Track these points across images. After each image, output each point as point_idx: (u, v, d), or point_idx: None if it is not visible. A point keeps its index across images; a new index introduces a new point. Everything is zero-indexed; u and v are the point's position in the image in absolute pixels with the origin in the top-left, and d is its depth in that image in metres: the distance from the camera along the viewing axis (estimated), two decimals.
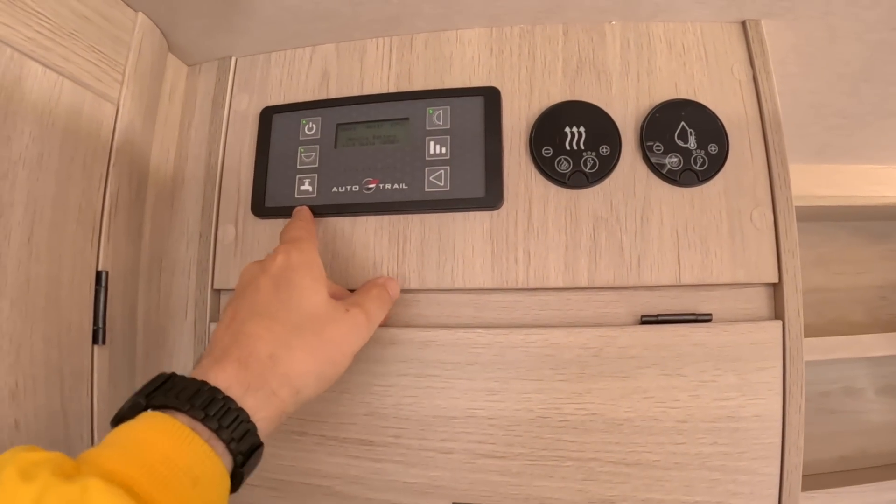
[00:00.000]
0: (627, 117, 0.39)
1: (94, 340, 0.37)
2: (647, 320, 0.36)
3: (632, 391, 0.35)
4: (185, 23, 0.42)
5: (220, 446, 0.24)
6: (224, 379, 0.25)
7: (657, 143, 0.38)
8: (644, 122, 0.38)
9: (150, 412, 0.24)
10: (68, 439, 0.35)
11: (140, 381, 0.42)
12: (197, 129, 0.45)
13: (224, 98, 0.44)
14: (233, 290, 0.41)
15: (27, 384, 0.32)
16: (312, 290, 0.31)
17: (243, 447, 0.24)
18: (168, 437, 0.22)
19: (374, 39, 0.43)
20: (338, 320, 0.31)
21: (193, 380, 0.25)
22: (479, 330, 0.36)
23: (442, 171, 0.38)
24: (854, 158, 0.68)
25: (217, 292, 0.42)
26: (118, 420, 0.24)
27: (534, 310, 0.38)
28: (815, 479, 0.67)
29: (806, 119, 0.58)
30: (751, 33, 0.40)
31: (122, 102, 0.39)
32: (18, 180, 0.32)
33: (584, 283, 0.36)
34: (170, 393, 0.24)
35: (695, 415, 0.35)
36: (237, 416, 0.24)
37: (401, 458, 0.36)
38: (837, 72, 0.49)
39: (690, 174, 0.37)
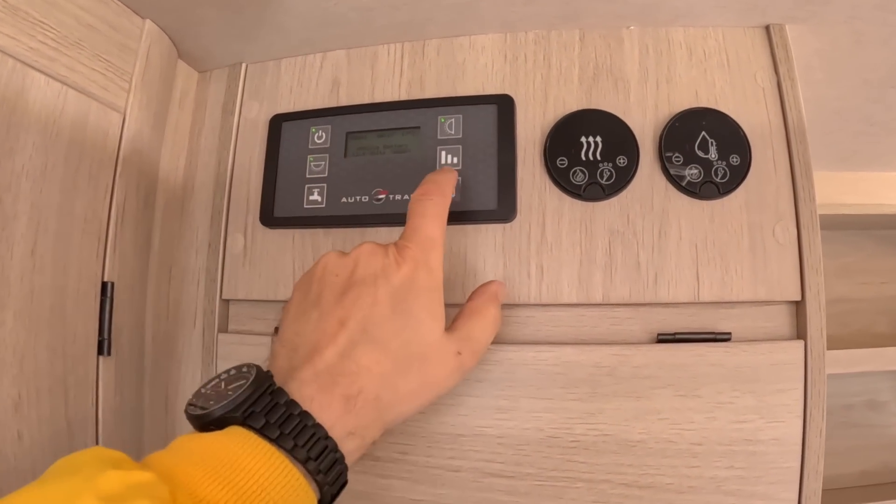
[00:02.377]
0: (646, 127, 0.37)
1: (100, 351, 0.37)
2: (663, 339, 0.35)
3: (645, 412, 0.34)
4: (194, 30, 0.42)
5: (315, 486, 0.23)
6: (328, 417, 0.23)
7: (676, 154, 0.36)
8: (663, 131, 0.37)
9: (244, 432, 0.22)
10: (73, 450, 0.35)
11: (149, 391, 0.42)
12: (207, 137, 0.45)
13: (234, 105, 0.44)
14: (242, 300, 0.41)
15: (31, 395, 0.32)
16: (429, 327, 0.28)
17: (335, 490, 0.24)
18: (267, 468, 0.21)
19: (385, 46, 0.42)
20: (446, 363, 0.28)
21: (295, 404, 0.23)
22: (490, 346, 0.36)
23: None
24: (881, 166, 0.66)
25: (226, 302, 0.42)
26: (203, 422, 0.23)
27: (546, 326, 0.37)
28: (835, 495, 0.65)
29: (831, 125, 0.56)
30: (775, 39, 0.38)
31: (129, 111, 0.39)
32: (22, 192, 0.32)
33: (598, 300, 0.35)
34: (272, 420, 0.22)
35: (710, 437, 0.34)
36: (335, 461, 0.23)
37: (407, 474, 0.36)
38: (864, 77, 0.47)
39: (711, 187, 0.36)
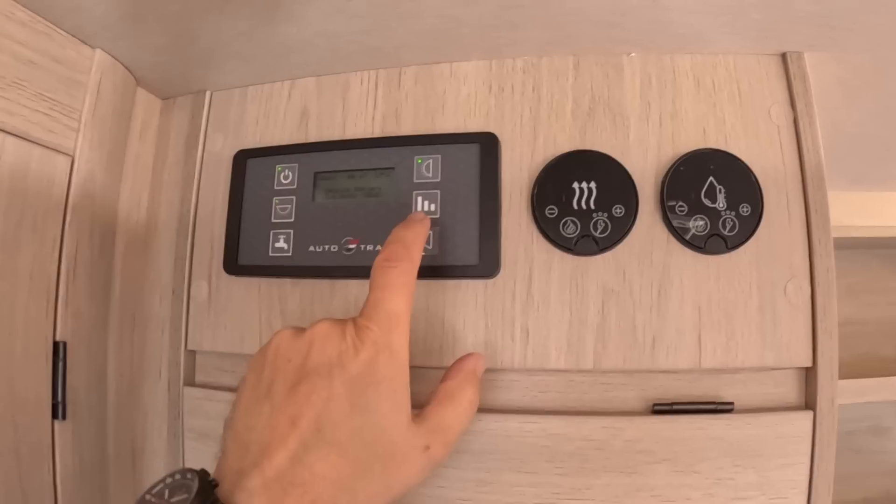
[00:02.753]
0: (647, 170, 0.34)
1: (55, 415, 0.34)
2: (659, 409, 0.32)
3: (638, 488, 0.31)
4: (150, 58, 0.38)
5: None
6: None
7: (680, 204, 0.33)
8: (666, 176, 0.33)
9: None
10: None
11: (113, 445, 0.39)
12: (170, 172, 0.41)
13: (197, 138, 0.40)
14: (208, 351, 0.39)
15: None
16: (393, 422, 0.25)
17: None
18: None
19: (358, 73, 0.38)
20: (413, 461, 0.25)
21: None
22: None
23: (430, 233, 0.34)
24: (891, 186, 0.61)
25: (192, 353, 0.39)
26: None
27: (532, 391, 0.34)
28: None
29: (844, 150, 0.51)
30: (792, 68, 0.34)
31: (78, 153, 0.35)
32: None
33: (589, 366, 0.32)
34: None
35: None
36: None
37: None
38: (885, 105, 0.43)
39: (718, 240, 0.32)
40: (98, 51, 0.37)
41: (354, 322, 0.26)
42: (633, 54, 0.35)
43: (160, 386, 0.39)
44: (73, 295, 0.35)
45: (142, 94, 0.41)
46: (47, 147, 0.34)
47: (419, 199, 0.34)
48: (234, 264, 0.37)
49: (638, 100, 0.34)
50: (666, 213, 0.33)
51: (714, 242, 0.32)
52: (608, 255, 0.33)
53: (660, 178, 0.33)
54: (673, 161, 0.33)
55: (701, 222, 0.32)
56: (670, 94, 0.34)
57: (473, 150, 0.34)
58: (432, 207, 0.34)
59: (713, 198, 0.33)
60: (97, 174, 0.37)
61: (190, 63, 0.38)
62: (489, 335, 0.33)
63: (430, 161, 0.35)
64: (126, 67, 0.39)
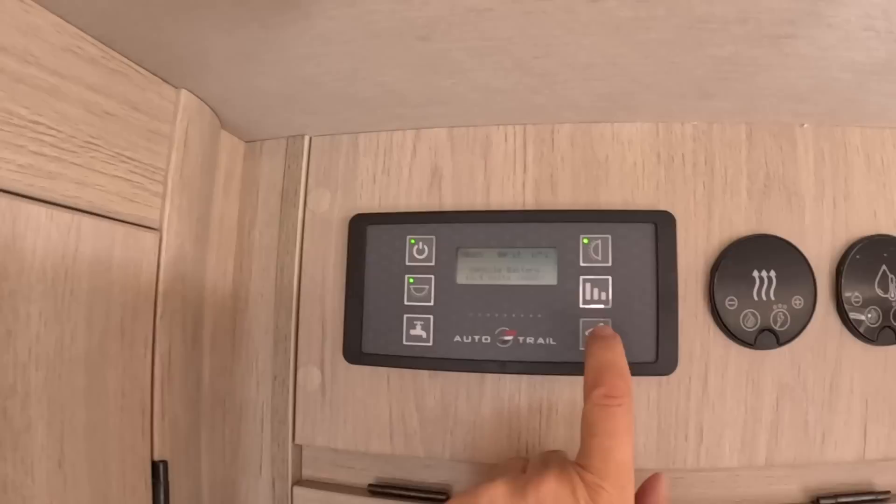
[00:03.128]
0: (822, 257, 0.32)
1: None
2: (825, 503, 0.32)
3: None
4: (245, 101, 0.30)
5: None
6: None
7: (856, 294, 0.31)
8: (842, 265, 0.31)
9: None
10: None
11: None
12: (262, 233, 0.34)
13: (297, 193, 0.33)
14: (321, 447, 0.32)
15: None
16: None
17: None
18: None
19: (501, 127, 0.33)
20: None
21: None
22: None
23: (601, 324, 0.30)
24: None
25: (299, 448, 0.34)
26: None
27: (697, 487, 0.32)
28: None
29: None
30: None
31: (166, 224, 0.28)
32: (33, 390, 0.22)
33: (761, 463, 0.31)
34: None
35: None
36: None
37: None
38: None
39: (889, 333, 0.31)
40: (183, 91, 0.29)
41: (583, 479, 0.23)
42: (805, 125, 0.33)
43: (261, 484, 0.34)
44: (169, 404, 0.29)
45: (224, 138, 0.33)
46: (130, 223, 0.26)
47: (587, 285, 0.31)
48: (357, 352, 0.32)
49: (812, 178, 0.32)
50: (841, 304, 0.31)
51: (885, 334, 0.31)
52: (784, 348, 0.31)
53: (834, 266, 0.32)
54: (846, 247, 0.32)
55: (873, 314, 0.32)
56: (843, 172, 0.32)
57: (648, 230, 0.31)
58: (602, 296, 0.31)
59: (885, 287, 0.32)
60: (187, 248, 0.29)
61: (295, 108, 0.31)
62: (661, 436, 0.31)
63: (599, 241, 0.31)
64: (212, 109, 0.31)
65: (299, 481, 0.34)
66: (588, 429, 0.24)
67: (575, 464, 0.24)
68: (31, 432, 0.22)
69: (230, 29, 0.24)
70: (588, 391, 0.24)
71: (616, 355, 0.26)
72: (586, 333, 0.30)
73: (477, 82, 0.28)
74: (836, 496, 0.32)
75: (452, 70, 0.27)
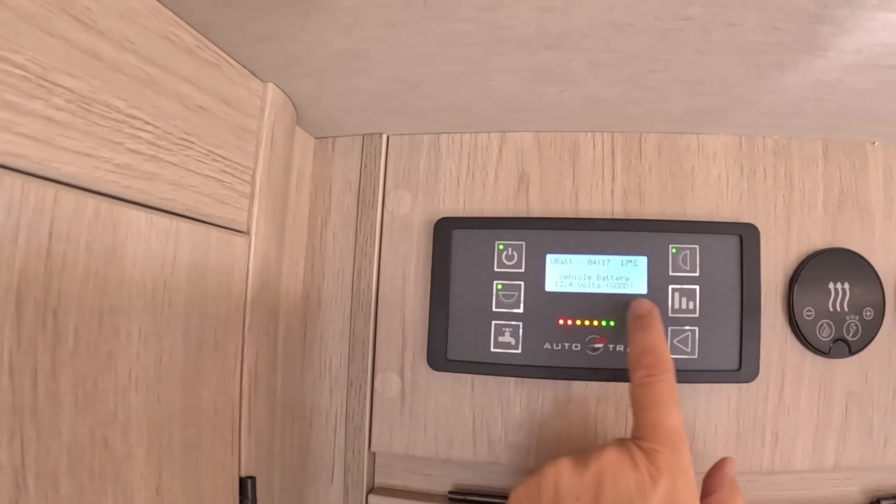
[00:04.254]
0: (889, 271, 0.33)
1: None
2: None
3: None
4: (330, 98, 0.29)
5: None
6: None
7: None
8: None
9: None
10: None
11: None
12: (336, 235, 0.33)
13: (375, 194, 0.32)
14: (396, 454, 0.32)
15: None
16: None
17: None
18: None
19: (589, 134, 0.32)
20: None
21: None
22: None
23: (689, 333, 0.31)
24: None
25: (373, 455, 0.33)
26: None
27: (767, 489, 0.33)
28: None
29: None
30: None
31: (255, 228, 0.26)
32: (133, 414, 0.21)
33: (829, 466, 0.32)
34: None
35: None
36: None
37: None
38: None
39: None
40: (270, 85, 0.27)
41: (640, 447, 0.24)
42: (876, 143, 0.34)
43: (333, 492, 0.33)
44: (255, 417, 0.27)
45: (297, 133, 0.32)
46: (223, 227, 0.25)
47: (676, 294, 0.31)
48: (441, 358, 0.31)
49: (882, 194, 0.34)
50: None
51: None
52: (854, 358, 0.33)
53: None
54: None
55: None
56: None
57: (733, 242, 0.31)
58: (690, 305, 0.31)
59: None
60: (272, 253, 0.28)
61: (381, 107, 0.29)
62: (740, 440, 0.32)
63: (687, 252, 0.31)
64: (293, 104, 0.29)
65: (373, 489, 0.33)
66: (637, 404, 0.26)
67: (631, 438, 0.26)
68: (131, 460, 0.21)
69: (350, 26, 0.23)
70: (631, 374, 0.27)
71: (653, 337, 0.28)
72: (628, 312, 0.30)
73: (584, 92, 0.28)
74: (894, 496, 0.34)
75: (565, 79, 0.26)
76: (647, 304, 0.30)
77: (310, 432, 0.33)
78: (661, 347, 0.27)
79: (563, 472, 0.24)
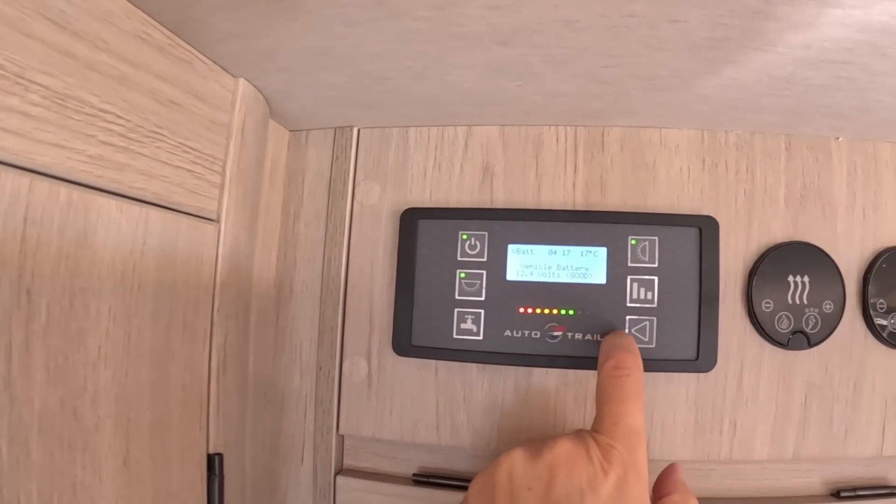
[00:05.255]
0: (851, 265, 0.34)
1: None
2: (845, 496, 0.34)
3: None
4: (301, 92, 0.30)
5: None
6: None
7: (881, 301, 0.33)
8: (869, 273, 0.33)
9: None
10: None
11: None
12: (307, 224, 0.34)
13: (345, 185, 0.33)
14: (364, 437, 0.33)
15: None
16: None
17: None
18: None
19: (552, 128, 0.33)
20: None
21: None
22: None
23: (646, 323, 0.32)
24: None
25: (342, 438, 0.34)
26: None
27: (728, 479, 0.34)
28: None
29: None
30: None
31: (224, 216, 0.28)
32: (102, 387, 0.22)
33: (789, 456, 0.33)
34: None
35: None
36: None
37: None
38: None
39: None
40: (241, 80, 0.28)
41: (596, 440, 0.25)
42: (840, 139, 0.34)
43: (303, 473, 0.34)
44: (224, 396, 0.29)
45: (271, 126, 0.33)
46: (192, 215, 0.26)
47: (634, 284, 0.32)
48: (406, 344, 0.32)
49: (845, 189, 0.34)
50: (867, 310, 0.33)
51: None
52: (813, 350, 0.33)
53: (861, 274, 0.34)
54: (873, 255, 0.34)
55: None
56: (873, 185, 0.34)
57: (692, 234, 0.32)
58: (649, 295, 0.32)
59: None
60: (241, 239, 0.29)
61: (352, 100, 0.31)
62: (698, 430, 0.32)
63: (647, 243, 0.32)
64: (265, 98, 0.30)
65: (341, 470, 0.34)
66: (601, 397, 0.26)
67: (590, 430, 0.26)
68: (100, 431, 0.22)
69: (313, 24, 0.24)
70: (600, 366, 0.27)
71: (626, 340, 0.28)
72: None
73: (543, 86, 0.29)
74: (854, 489, 0.34)
75: (522, 74, 0.27)
76: (622, 332, 0.30)
77: (281, 415, 0.34)
78: (633, 347, 0.28)
79: (516, 463, 0.24)
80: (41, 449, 0.20)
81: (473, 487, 0.25)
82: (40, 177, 0.20)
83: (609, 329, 0.31)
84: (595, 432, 0.25)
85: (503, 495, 0.24)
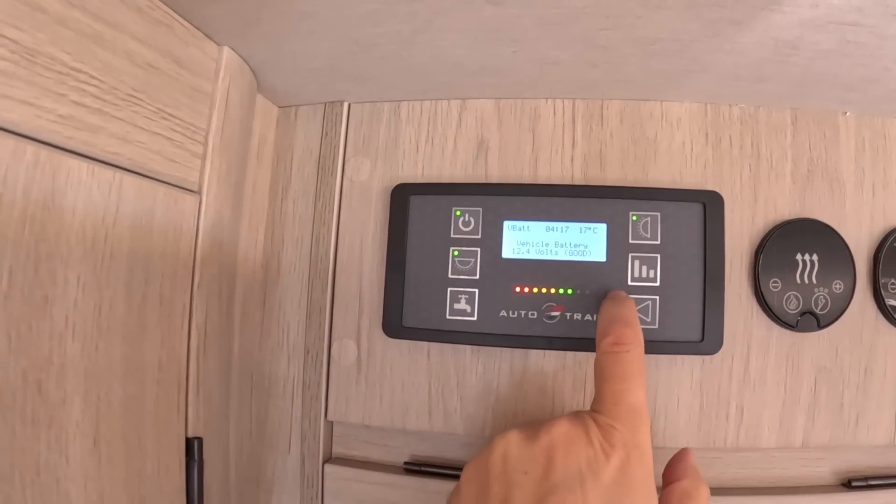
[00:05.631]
0: (860, 243, 0.32)
1: None
2: (857, 485, 0.32)
3: None
4: (288, 62, 0.29)
5: None
6: None
7: (892, 281, 0.32)
8: (880, 252, 0.32)
9: None
10: None
11: None
12: (295, 202, 0.33)
13: (335, 161, 0.32)
14: (354, 424, 0.32)
15: None
16: None
17: None
18: None
19: (549, 101, 0.32)
20: None
21: None
22: None
23: (649, 302, 0.30)
24: None
25: (330, 424, 0.33)
26: None
27: (734, 467, 0.32)
28: None
29: None
30: None
31: (206, 188, 0.27)
32: (69, 361, 0.21)
33: (798, 444, 0.31)
34: None
35: None
36: None
37: None
38: None
39: None
40: (225, 49, 0.27)
41: (596, 421, 0.23)
42: (848, 113, 0.33)
43: (290, 461, 0.33)
44: (204, 378, 0.27)
45: (259, 102, 0.32)
46: (171, 184, 0.25)
47: (636, 262, 0.30)
48: (397, 325, 0.31)
49: (853, 165, 0.33)
50: (877, 290, 0.32)
51: None
52: (823, 332, 0.32)
53: (871, 253, 0.32)
54: (883, 234, 0.32)
55: None
56: (882, 161, 0.33)
57: (696, 210, 0.31)
58: (651, 274, 0.30)
59: None
60: (225, 214, 0.28)
61: (341, 72, 0.29)
62: (703, 415, 0.31)
63: (648, 219, 0.31)
64: (252, 69, 0.29)
65: (330, 459, 0.33)
66: (600, 375, 0.25)
67: (589, 410, 0.24)
68: (67, 407, 0.21)
69: None
70: (598, 342, 0.25)
71: (626, 309, 0.27)
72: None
73: (537, 53, 0.27)
74: (866, 479, 0.32)
75: (516, 38, 0.26)
76: (624, 293, 0.29)
77: (268, 400, 0.33)
78: (633, 319, 0.26)
79: (511, 446, 0.23)
80: (2, 424, 0.19)
81: (466, 472, 0.23)
82: (4, 133, 0.19)
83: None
84: (595, 413, 0.24)
85: (497, 480, 0.22)
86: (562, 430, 0.23)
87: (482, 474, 0.23)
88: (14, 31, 0.19)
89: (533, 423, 0.24)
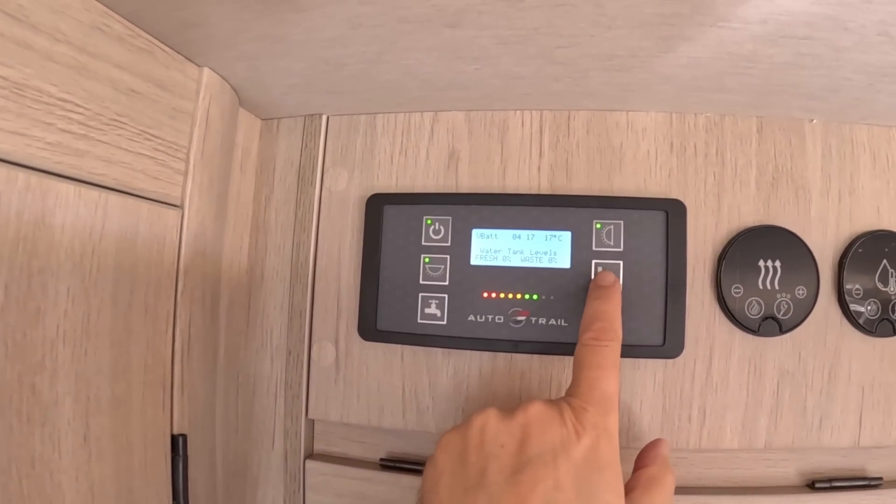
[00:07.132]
0: (825, 249, 0.33)
1: None
2: (820, 487, 0.33)
3: None
4: (267, 80, 0.30)
5: None
6: None
7: (857, 287, 0.32)
8: (845, 258, 0.32)
9: None
10: None
11: None
12: (278, 211, 0.35)
13: (314, 171, 0.34)
14: (333, 422, 0.33)
15: None
16: None
17: None
18: None
19: (518, 112, 0.33)
20: None
21: None
22: None
23: (602, 270, 0.31)
24: None
25: (311, 422, 0.35)
26: None
27: (699, 467, 0.33)
28: None
29: None
30: None
31: (188, 202, 0.28)
32: (60, 365, 0.23)
33: (760, 445, 0.32)
34: None
35: None
36: None
37: None
38: None
39: (887, 325, 0.32)
40: (206, 69, 0.29)
41: (570, 404, 0.25)
42: (814, 121, 0.34)
43: (274, 457, 0.35)
44: (188, 378, 0.29)
45: (242, 115, 0.34)
46: (154, 200, 0.27)
47: (599, 269, 0.31)
48: (371, 329, 0.32)
49: (819, 172, 0.33)
50: (843, 296, 0.32)
51: (884, 326, 0.33)
52: (786, 336, 0.32)
53: (836, 259, 0.33)
54: (849, 240, 0.33)
55: (873, 306, 0.33)
56: (849, 168, 0.33)
57: (659, 218, 0.32)
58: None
59: (885, 281, 0.33)
60: (207, 225, 0.30)
61: (318, 88, 0.31)
62: (666, 417, 0.32)
63: (612, 227, 0.32)
64: (232, 87, 0.31)
65: (311, 455, 0.35)
66: (577, 364, 0.26)
67: (565, 395, 0.26)
68: (59, 407, 0.23)
69: (263, 11, 0.25)
70: (580, 333, 0.27)
71: (610, 306, 0.28)
72: (592, 277, 0.31)
73: (499, 69, 0.29)
74: (830, 480, 0.33)
75: (477, 56, 0.27)
76: (611, 277, 0.30)
77: (253, 399, 0.35)
78: (614, 317, 0.28)
79: (490, 421, 0.25)
80: (0, 422, 0.21)
81: (443, 442, 0.25)
82: None
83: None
84: (570, 396, 0.26)
85: (475, 451, 0.24)
86: (537, 410, 0.25)
87: (460, 445, 0.24)
88: (3, 69, 0.21)
89: (510, 406, 0.26)
